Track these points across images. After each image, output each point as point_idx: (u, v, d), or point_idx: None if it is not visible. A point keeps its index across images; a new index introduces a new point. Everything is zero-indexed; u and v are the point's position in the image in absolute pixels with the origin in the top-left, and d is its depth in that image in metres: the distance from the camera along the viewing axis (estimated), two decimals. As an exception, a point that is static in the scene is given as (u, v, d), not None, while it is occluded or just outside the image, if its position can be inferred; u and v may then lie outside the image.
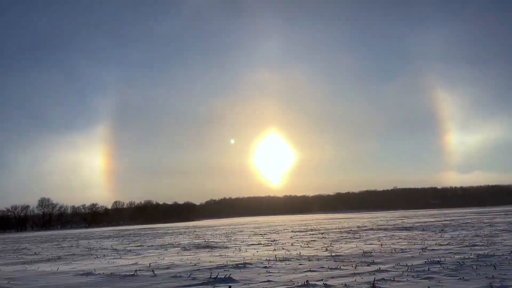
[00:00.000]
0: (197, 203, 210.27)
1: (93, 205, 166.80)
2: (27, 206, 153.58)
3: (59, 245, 32.74)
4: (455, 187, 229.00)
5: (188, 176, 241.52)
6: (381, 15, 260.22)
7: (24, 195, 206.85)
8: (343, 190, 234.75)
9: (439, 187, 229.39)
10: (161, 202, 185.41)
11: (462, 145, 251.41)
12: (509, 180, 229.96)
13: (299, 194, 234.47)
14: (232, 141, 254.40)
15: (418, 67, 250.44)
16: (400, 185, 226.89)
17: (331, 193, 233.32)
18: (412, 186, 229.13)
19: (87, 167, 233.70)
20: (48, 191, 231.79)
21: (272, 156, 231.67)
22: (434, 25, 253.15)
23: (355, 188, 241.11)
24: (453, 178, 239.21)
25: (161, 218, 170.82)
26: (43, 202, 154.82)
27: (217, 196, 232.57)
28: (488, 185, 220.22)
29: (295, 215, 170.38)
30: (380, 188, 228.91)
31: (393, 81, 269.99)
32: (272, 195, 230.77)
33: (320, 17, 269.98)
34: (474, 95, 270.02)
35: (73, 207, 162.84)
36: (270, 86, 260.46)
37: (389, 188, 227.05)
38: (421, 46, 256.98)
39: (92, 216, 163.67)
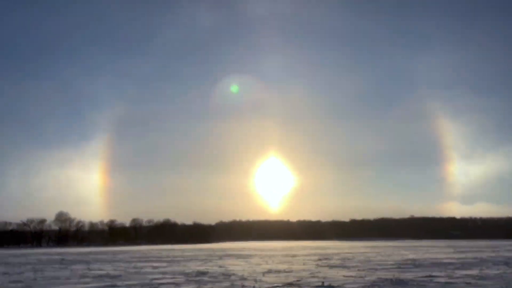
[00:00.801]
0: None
1: (112, 221, 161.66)
2: (44, 220, 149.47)
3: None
4: (475, 217, 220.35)
5: (183, 195, 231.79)
6: (384, 39, 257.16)
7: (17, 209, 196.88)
8: (342, 216, 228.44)
9: (457, 217, 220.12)
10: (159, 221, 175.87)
11: (464, 175, 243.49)
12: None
13: (301, 218, 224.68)
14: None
15: (421, 94, 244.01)
16: (401, 215, 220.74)
17: (346, 220, 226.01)
18: (430, 215, 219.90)
19: (81, 182, 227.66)
20: (40, 206, 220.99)
21: (271, 179, 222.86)
22: (438, 52, 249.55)
23: (354, 215, 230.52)
24: (455, 209, 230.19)
25: (179, 239, 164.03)
26: (61, 217, 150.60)
27: (214, 217, 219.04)
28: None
29: (311, 241, 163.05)
30: (387, 215, 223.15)
31: (395, 107, 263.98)
32: (281, 219, 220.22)
33: (322, 38, 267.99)
34: (478, 124, 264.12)
35: (91, 223, 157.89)
36: (270, 107, 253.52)
37: (405, 216, 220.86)
38: (425, 73, 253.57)
39: (110, 234, 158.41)
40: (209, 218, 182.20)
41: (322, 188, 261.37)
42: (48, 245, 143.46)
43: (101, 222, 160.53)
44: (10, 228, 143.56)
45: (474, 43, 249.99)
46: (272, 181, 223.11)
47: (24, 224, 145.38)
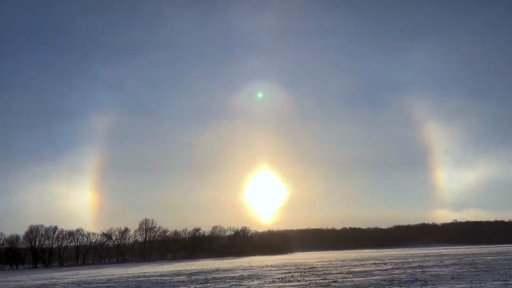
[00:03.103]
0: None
1: (196, 230, 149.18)
2: (126, 229, 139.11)
3: None
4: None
5: (173, 208, 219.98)
6: (375, 40, 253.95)
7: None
8: (333, 225, 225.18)
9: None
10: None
11: (455, 181, 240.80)
12: (503, 217, 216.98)
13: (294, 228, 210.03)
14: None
15: (411, 97, 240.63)
16: (394, 222, 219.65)
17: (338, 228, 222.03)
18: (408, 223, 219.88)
19: (66, 198, 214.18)
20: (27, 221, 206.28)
21: (263, 191, 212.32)
22: (430, 53, 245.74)
23: (342, 224, 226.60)
24: (445, 216, 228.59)
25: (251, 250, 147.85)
26: (146, 224, 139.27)
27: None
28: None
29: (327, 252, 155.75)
30: (376, 225, 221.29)
31: (385, 112, 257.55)
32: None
33: (310, 46, 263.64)
34: (468, 128, 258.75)
35: (175, 231, 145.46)
36: (260, 118, 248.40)
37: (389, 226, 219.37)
38: (416, 75, 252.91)
39: (193, 244, 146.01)
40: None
41: (313, 198, 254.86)
42: (132, 260, 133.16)
43: (184, 231, 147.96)
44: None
45: (468, 45, 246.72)
46: (264, 193, 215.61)
47: (105, 235, 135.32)
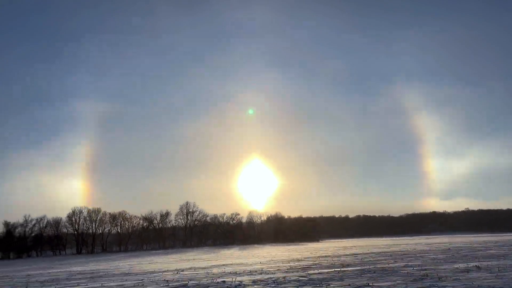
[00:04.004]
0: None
1: (234, 214, 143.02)
2: (167, 213, 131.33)
3: None
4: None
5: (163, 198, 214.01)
6: (360, 29, 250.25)
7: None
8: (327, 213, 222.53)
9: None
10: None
11: (445, 170, 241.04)
12: (493, 206, 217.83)
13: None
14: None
15: (401, 85, 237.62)
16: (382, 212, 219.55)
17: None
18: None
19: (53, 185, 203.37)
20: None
21: (254, 180, 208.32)
22: (418, 38, 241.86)
23: (338, 212, 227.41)
24: (434, 205, 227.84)
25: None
26: (187, 208, 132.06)
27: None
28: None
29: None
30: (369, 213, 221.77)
31: (375, 101, 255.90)
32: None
33: (303, 32, 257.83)
34: (460, 117, 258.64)
35: (215, 216, 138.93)
36: (254, 107, 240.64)
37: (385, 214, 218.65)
38: (403, 64, 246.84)
39: (230, 231, 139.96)
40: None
41: (305, 187, 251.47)
42: (174, 245, 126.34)
43: (222, 216, 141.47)
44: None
45: (458, 32, 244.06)
46: (256, 183, 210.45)
47: (146, 219, 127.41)
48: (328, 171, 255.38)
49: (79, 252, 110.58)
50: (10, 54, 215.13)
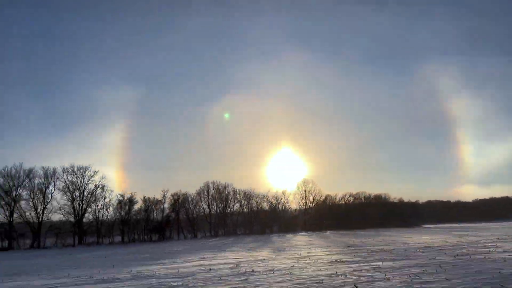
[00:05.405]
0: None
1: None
2: (184, 194, 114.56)
3: None
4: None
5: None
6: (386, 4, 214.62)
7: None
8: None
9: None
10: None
11: (483, 156, 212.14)
12: None
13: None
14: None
15: (435, 62, 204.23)
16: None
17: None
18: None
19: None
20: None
21: (284, 168, 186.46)
22: (449, 12, 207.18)
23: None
24: (471, 192, 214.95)
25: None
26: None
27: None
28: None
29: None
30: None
31: (406, 79, 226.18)
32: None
33: (326, 12, 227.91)
34: (504, 97, 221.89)
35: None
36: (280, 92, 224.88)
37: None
38: (436, 39, 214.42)
39: (273, 216, 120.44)
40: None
41: (335, 174, 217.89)
42: (205, 235, 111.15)
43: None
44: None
45: None
46: (285, 171, 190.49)
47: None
48: (357, 159, 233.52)
49: (99, 242, 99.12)
50: (33, 40, 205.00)
